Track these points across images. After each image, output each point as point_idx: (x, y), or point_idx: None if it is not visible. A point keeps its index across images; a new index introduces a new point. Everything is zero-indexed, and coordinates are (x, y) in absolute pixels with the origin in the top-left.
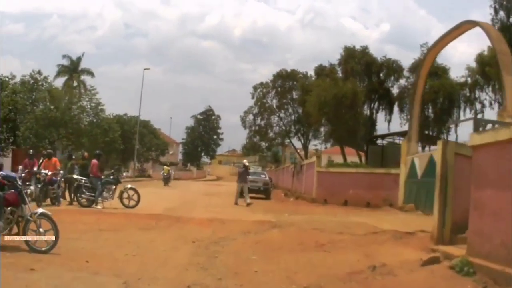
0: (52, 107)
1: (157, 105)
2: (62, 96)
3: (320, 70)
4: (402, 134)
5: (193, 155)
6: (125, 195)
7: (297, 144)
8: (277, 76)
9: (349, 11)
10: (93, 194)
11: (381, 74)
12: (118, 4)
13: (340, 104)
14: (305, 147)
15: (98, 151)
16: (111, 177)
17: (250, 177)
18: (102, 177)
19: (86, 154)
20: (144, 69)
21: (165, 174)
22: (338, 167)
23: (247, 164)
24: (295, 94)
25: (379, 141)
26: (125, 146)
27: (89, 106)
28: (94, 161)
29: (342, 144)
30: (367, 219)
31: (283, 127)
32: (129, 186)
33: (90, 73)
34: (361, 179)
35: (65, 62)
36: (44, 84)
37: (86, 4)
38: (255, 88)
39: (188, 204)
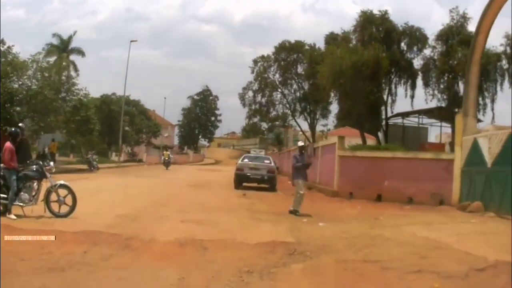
0: (19, 82)
1: (157, 89)
2: (27, 68)
3: (331, 39)
4: (428, 112)
5: (190, 137)
6: (53, 196)
7: (303, 124)
8: (279, 48)
9: None
10: (6, 196)
11: (402, 44)
12: None
13: (359, 74)
14: (312, 127)
15: (13, 129)
16: (34, 167)
17: (250, 162)
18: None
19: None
20: (131, 41)
21: (166, 159)
22: (368, 151)
23: (302, 144)
24: (300, 68)
25: (395, 121)
26: (110, 127)
27: (58, 80)
28: (7, 144)
29: (360, 123)
30: (431, 230)
31: (287, 105)
32: (60, 182)
33: (80, 52)
34: (399, 166)
35: (55, 41)
36: (8, 55)
37: None
38: (255, 61)
39: (159, 206)
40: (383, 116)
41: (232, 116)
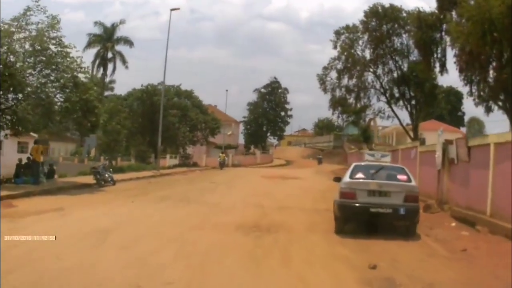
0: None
1: (222, 88)
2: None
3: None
4: None
5: (257, 135)
6: None
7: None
8: (369, 13)
9: None
10: None
11: None
12: None
13: None
14: (413, 119)
15: None
16: None
17: (370, 180)
18: None
19: None
20: (171, 10)
21: (221, 160)
22: None
23: None
24: (397, 41)
25: None
26: (153, 124)
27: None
28: None
29: None
30: None
31: (381, 89)
32: None
33: (128, 41)
34: None
35: (97, 30)
36: None
37: None
38: (337, 33)
39: None
40: None
41: (302, 114)
